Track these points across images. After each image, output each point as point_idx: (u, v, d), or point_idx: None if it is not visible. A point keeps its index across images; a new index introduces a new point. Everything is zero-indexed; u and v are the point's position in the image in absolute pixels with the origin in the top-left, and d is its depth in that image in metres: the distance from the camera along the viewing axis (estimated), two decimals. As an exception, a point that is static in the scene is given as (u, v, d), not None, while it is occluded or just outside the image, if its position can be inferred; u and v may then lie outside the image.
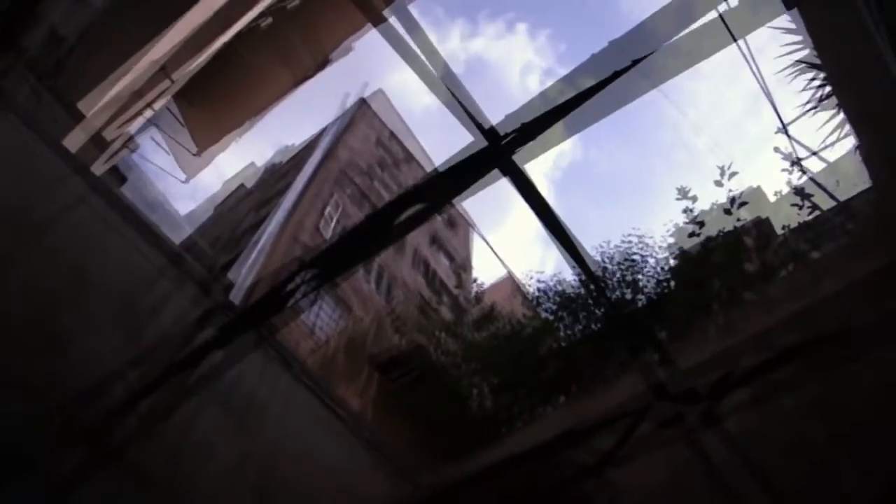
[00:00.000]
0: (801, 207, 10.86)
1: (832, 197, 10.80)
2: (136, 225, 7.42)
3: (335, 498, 6.88)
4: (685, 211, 11.57)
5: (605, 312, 11.57)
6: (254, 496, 6.13)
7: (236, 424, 6.56)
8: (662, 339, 9.72)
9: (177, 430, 5.88)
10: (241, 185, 22.70)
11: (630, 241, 12.47)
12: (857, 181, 10.00)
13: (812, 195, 10.89)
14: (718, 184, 11.44)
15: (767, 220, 11.72)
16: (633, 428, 5.11)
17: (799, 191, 10.91)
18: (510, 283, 18.64)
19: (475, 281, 20.88)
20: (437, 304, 17.56)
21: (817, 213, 10.89)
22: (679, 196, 11.71)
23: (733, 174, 11.40)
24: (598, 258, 12.42)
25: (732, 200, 11.21)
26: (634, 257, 12.10)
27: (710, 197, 11.80)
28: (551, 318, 12.36)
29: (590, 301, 11.82)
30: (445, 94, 5.25)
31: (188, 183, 15.35)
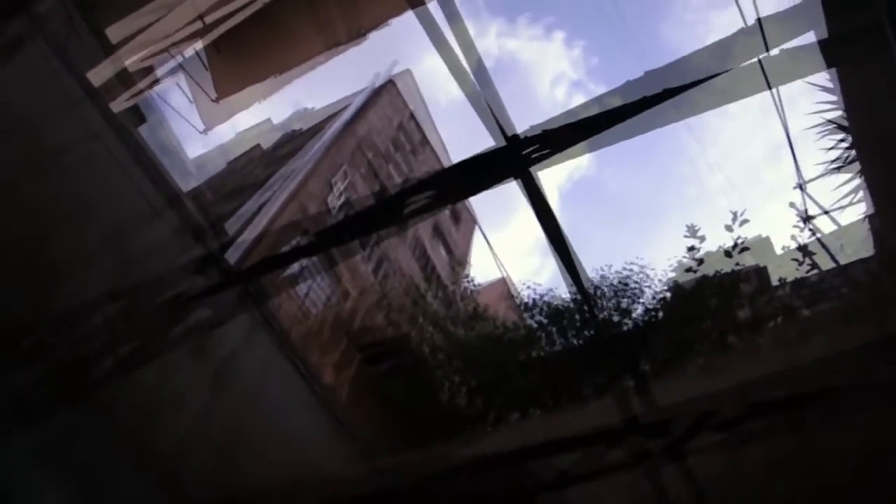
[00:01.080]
0: (800, 263, 10.96)
1: (833, 259, 10.88)
2: (145, 166, 7.43)
3: (297, 468, 6.88)
4: (690, 249, 11.60)
5: (591, 333, 11.59)
6: (217, 453, 6.13)
7: (212, 381, 6.58)
8: (645, 370, 9.78)
9: (152, 377, 5.90)
10: (258, 146, 22.56)
11: (631, 270, 12.46)
12: (860, 248, 10.08)
13: (815, 253, 10.97)
14: (729, 228, 11.50)
15: (765, 269, 11.77)
16: (601, 453, 5.14)
17: (802, 247, 10.99)
18: (503, 286, 18.61)
19: (471, 279, 20.84)
20: (430, 296, 17.55)
21: (816, 271, 10.98)
22: (688, 233, 11.74)
23: (745, 221, 11.44)
24: (597, 280, 12.43)
25: (735, 245, 11.27)
26: (633, 286, 12.11)
27: (718, 239, 11.82)
28: (536, 326, 12.40)
29: (576, 317, 11.84)
30: (472, 91, 5.27)
31: (206, 133, 15.27)
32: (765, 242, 13.80)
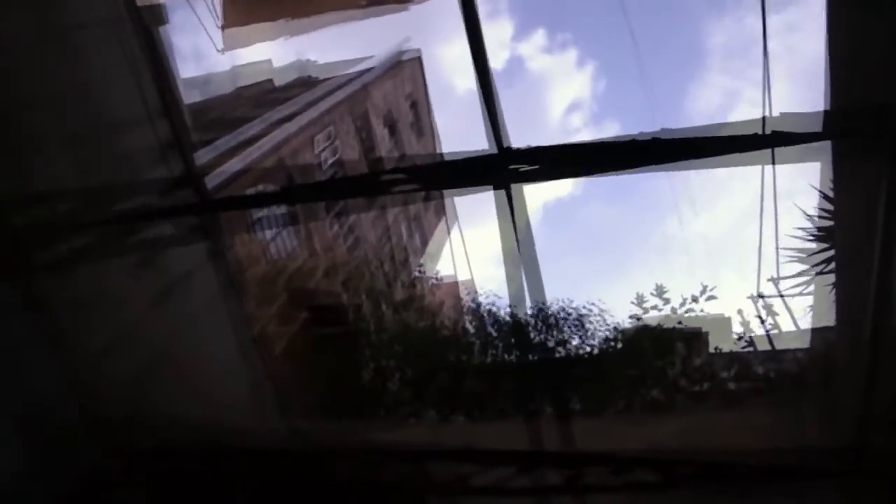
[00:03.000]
0: (739, 338, 11.29)
1: (770, 342, 11.23)
2: (154, 68, 7.29)
3: (213, 405, 6.84)
4: (658, 300, 11.78)
5: (522, 354, 11.73)
6: (139, 369, 6.09)
7: (154, 298, 6.53)
8: (567, 403, 9.94)
9: (99, 276, 5.85)
10: (269, 80, 22.20)
11: (591, 310, 12.55)
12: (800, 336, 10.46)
13: (752, 333, 11.33)
14: (695, 300, 11.72)
15: (706, 335, 12.03)
16: (501, 472, 5.22)
17: (744, 326, 11.36)
18: (465, 287, 18.67)
19: (437, 271, 20.89)
20: (392, 276, 17.57)
21: (751, 349, 11.33)
22: (655, 292, 11.93)
23: (712, 297, 11.67)
24: (556, 309, 12.48)
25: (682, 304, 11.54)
26: (587, 326, 12.21)
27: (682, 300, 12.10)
28: (472, 333, 12.49)
29: (511, 335, 11.96)
30: (481, 91, 5.27)
31: (223, 53, 15.02)
32: (725, 323, 14.06)
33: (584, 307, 12.47)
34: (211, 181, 8.99)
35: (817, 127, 5.36)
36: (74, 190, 5.89)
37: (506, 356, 12.05)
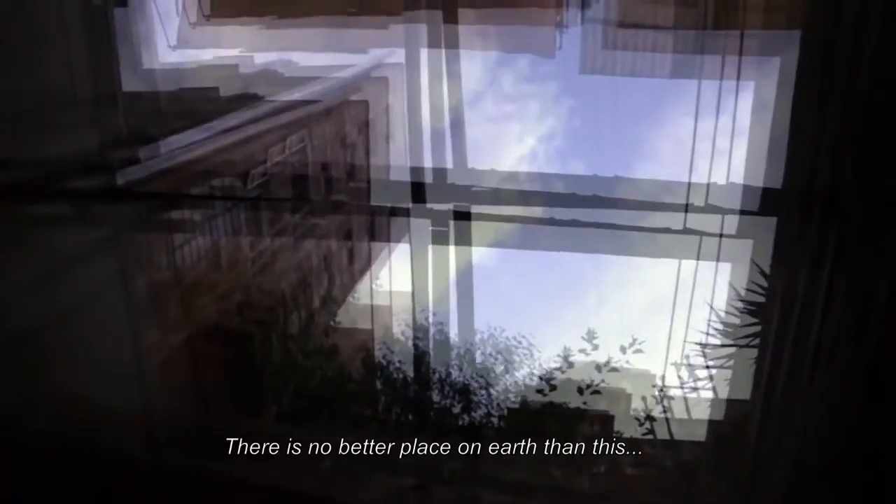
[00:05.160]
0: (641, 424, 11.32)
1: (669, 430, 11.31)
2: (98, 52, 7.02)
3: (82, 399, 6.32)
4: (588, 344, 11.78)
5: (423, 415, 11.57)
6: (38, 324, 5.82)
7: (44, 277, 6.10)
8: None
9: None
10: (216, 89, 21.60)
11: (519, 343, 12.47)
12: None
13: (655, 420, 11.38)
14: (623, 350, 11.79)
15: (612, 417, 12.02)
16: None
17: (648, 414, 11.42)
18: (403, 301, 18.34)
19: (376, 279, 20.53)
20: (327, 282, 17.12)
21: (650, 436, 11.39)
22: (585, 337, 11.96)
23: (638, 350, 11.75)
24: (485, 336, 12.36)
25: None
26: (514, 358, 12.12)
27: (611, 351, 12.22)
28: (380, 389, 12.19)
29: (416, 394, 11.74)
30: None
31: (174, 49, 14.41)
32: (646, 378, 14.21)
33: (514, 339, 12.43)
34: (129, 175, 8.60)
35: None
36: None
37: (409, 416, 11.81)
